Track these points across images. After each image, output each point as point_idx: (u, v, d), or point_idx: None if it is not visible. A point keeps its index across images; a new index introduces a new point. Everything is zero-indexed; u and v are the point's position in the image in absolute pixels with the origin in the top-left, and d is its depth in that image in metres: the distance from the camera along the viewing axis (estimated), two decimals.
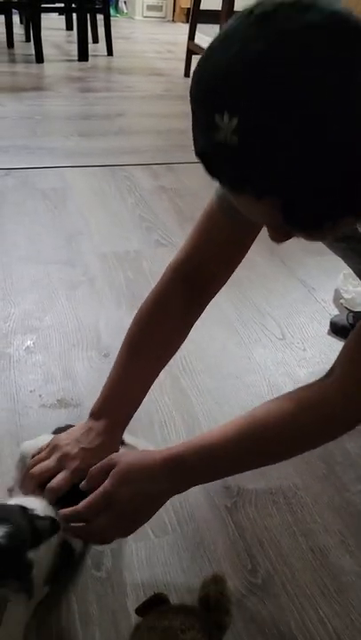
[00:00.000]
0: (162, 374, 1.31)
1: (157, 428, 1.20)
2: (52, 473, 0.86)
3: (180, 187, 2.30)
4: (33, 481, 0.87)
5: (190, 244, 0.96)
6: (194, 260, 0.95)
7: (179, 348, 0.99)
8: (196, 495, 1.05)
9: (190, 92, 0.62)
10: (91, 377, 1.32)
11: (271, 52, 0.54)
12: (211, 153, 0.60)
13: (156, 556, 0.95)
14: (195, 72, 0.62)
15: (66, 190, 2.22)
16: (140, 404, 0.97)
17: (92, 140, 2.77)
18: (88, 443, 0.89)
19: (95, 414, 0.95)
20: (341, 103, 0.53)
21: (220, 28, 0.62)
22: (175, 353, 0.99)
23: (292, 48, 0.53)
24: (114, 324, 1.49)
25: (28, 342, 1.42)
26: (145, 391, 0.98)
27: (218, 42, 0.59)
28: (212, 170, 0.63)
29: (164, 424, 1.21)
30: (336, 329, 1.50)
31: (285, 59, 0.53)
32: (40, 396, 1.26)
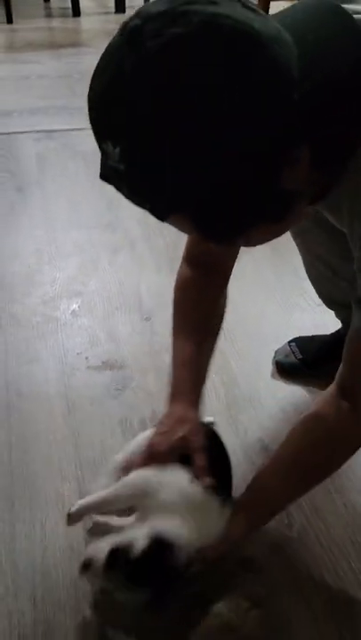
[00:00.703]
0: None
1: None
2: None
3: None
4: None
5: (188, 242, 1.00)
6: (194, 252, 0.99)
7: (223, 317, 1.02)
8: (235, 452, 1.11)
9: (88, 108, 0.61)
10: (133, 340, 1.38)
11: (139, 75, 0.53)
12: (109, 176, 0.61)
13: None
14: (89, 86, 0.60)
15: None
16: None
17: None
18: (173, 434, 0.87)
19: (174, 396, 0.95)
20: (210, 118, 0.52)
21: None
22: (221, 323, 1.02)
23: (158, 68, 0.52)
24: (154, 289, 1.54)
25: (74, 306, 1.49)
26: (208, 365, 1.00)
27: (100, 62, 0.58)
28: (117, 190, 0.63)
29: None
30: (283, 369, 1.32)
31: (153, 81, 0.52)
32: (86, 358, 1.34)
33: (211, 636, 0.71)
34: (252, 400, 1.24)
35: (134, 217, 1.81)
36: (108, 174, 0.61)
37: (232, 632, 0.71)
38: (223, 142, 0.53)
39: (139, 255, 1.68)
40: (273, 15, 0.66)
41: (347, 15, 0.64)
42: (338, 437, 0.83)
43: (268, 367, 1.32)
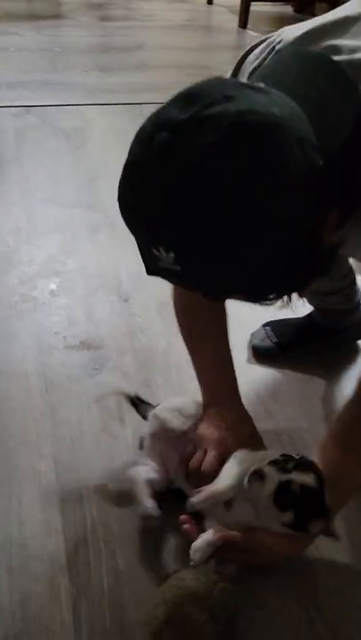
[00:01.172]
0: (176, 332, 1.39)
1: (174, 372, 1.28)
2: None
3: None
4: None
5: None
6: None
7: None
8: None
9: (121, 214, 0.63)
10: (112, 320, 1.40)
11: (185, 188, 0.55)
12: (161, 274, 0.63)
13: None
14: (119, 197, 0.62)
15: (86, 130, 2.22)
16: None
17: (112, 74, 2.73)
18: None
19: (207, 405, 1.01)
20: (258, 213, 0.55)
21: None
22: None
23: (202, 178, 0.54)
24: (134, 270, 1.55)
25: (52, 286, 1.50)
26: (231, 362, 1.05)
27: (130, 172, 0.59)
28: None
29: (180, 367, 1.29)
30: (259, 353, 1.34)
31: (200, 190, 0.54)
32: (64, 337, 1.35)
33: (177, 606, 0.75)
34: None
35: (115, 196, 1.80)
36: (158, 273, 0.63)
37: (198, 602, 0.75)
38: (271, 231, 0.57)
39: (119, 235, 1.68)
40: (265, 72, 0.67)
41: (332, 62, 0.67)
42: None
43: (244, 351, 1.35)
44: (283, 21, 3.79)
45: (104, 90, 2.57)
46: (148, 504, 0.92)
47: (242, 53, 0.83)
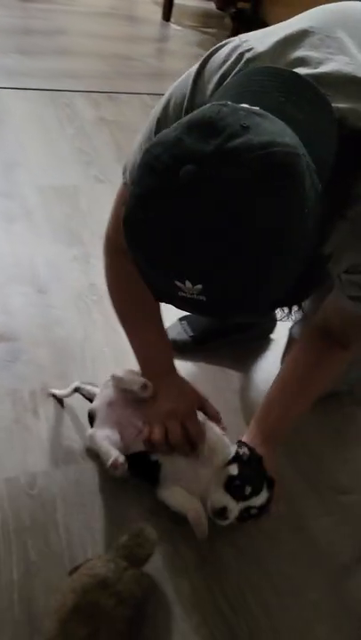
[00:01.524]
0: (95, 313, 1.40)
1: (90, 364, 1.29)
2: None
3: (122, 119, 2.29)
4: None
5: (112, 231, 1.04)
6: (122, 245, 1.01)
7: None
8: None
9: (130, 248, 0.62)
10: (27, 312, 1.39)
11: (215, 222, 0.55)
12: (176, 303, 0.62)
13: (83, 478, 1.07)
14: (131, 231, 0.61)
15: (3, 114, 2.16)
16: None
17: (31, 58, 2.66)
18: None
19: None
20: (280, 243, 0.57)
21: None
22: None
23: (231, 216, 0.54)
24: (50, 261, 1.54)
25: None
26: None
27: (147, 206, 0.58)
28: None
29: (96, 359, 1.30)
30: (177, 347, 1.33)
31: (229, 225, 0.55)
32: None
33: (85, 593, 0.77)
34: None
35: (32, 184, 1.78)
36: (175, 303, 0.62)
37: (107, 588, 0.77)
38: (296, 259, 0.58)
39: (35, 225, 1.66)
40: (244, 89, 0.67)
41: (307, 82, 0.68)
42: (332, 360, 1.04)
43: None
44: (206, 17, 3.83)
45: (23, 74, 2.50)
46: (114, 453, 0.98)
47: (204, 56, 0.82)
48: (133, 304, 1.05)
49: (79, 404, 1.18)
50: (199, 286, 0.57)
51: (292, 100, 0.64)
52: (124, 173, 0.96)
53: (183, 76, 0.85)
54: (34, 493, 1.03)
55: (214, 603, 0.94)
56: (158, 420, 1.03)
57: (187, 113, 0.79)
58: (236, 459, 0.98)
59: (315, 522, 1.09)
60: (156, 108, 0.88)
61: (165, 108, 0.85)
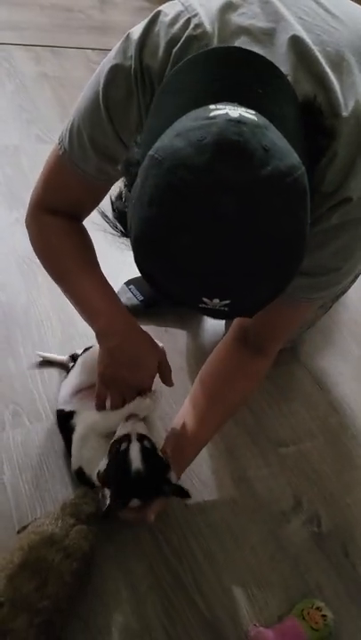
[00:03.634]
0: (40, 276, 1.39)
1: (34, 328, 1.29)
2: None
3: (64, 75, 2.21)
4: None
5: (42, 193, 0.99)
6: (50, 206, 0.99)
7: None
8: None
9: (148, 265, 0.62)
10: None
11: (250, 249, 0.57)
12: (197, 311, 0.63)
13: (31, 440, 1.09)
14: (158, 252, 0.60)
15: None
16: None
17: None
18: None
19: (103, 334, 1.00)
20: (301, 259, 0.62)
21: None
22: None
23: (267, 242, 0.57)
24: None
25: None
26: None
27: (179, 232, 0.58)
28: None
29: (41, 323, 1.31)
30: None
31: (265, 251, 0.58)
32: None
33: (32, 549, 0.80)
34: (88, 337, 1.30)
35: None
36: (194, 310, 0.63)
37: (53, 544, 0.80)
38: (302, 254, 0.62)
39: None
40: (219, 85, 0.66)
41: (270, 65, 0.68)
42: (246, 374, 1.04)
43: None
44: None
45: None
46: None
47: (148, 17, 0.79)
48: (67, 259, 1.00)
49: (26, 368, 1.18)
50: (226, 301, 0.60)
51: (268, 93, 0.66)
52: (61, 140, 0.92)
53: (120, 41, 0.82)
54: None
55: (159, 551, 0.99)
56: (116, 387, 0.99)
57: (136, 76, 0.78)
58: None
59: (255, 473, 1.15)
60: (99, 72, 0.84)
61: (114, 72, 0.81)
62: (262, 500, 1.11)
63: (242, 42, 0.73)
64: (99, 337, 0.99)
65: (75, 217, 1.01)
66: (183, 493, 0.94)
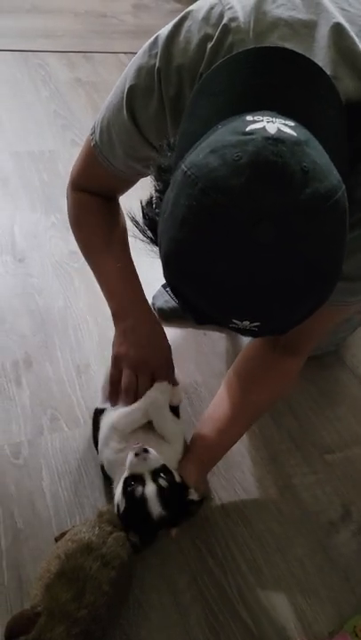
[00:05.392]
0: (76, 280, 1.39)
1: (72, 332, 1.29)
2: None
3: (98, 80, 2.22)
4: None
5: (76, 176, 1.01)
6: (83, 188, 1.01)
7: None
8: None
9: (178, 283, 0.61)
10: (6, 282, 1.37)
11: (287, 274, 0.55)
12: (224, 327, 0.62)
13: (69, 446, 1.08)
14: (190, 273, 0.59)
15: None
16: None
17: (1, 17, 2.56)
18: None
19: (117, 316, 1.04)
20: (335, 284, 0.60)
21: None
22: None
23: (307, 269, 0.55)
24: (28, 229, 1.51)
25: None
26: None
27: (215, 257, 0.56)
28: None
29: (78, 327, 1.30)
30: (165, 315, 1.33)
31: (303, 277, 0.56)
32: None
33: (69, 558, 0.78)
34: None
35: (6, 150, 1.74)
36: (222, 326, 0.62)
37: (90, 552, 0.78)
38: (339, 275, 0.60)
39: (12, 192, 1.62)
40: (256, 88, 0.63)
41: (314, 66, 0.65)
42: (278, 373, 1.00)
43: None
44: None
45: None
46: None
47: (179, 16, 0.78)
48: (95, 235, 1.03)
49: (63, 373, 1.18)
50: (257, 323, 0.59)
51: (308, 95, 0.63)
52: (93, 132, 0.93)
53: (148, 42, 0.81)
54: (19, 463, 1.03)
55: (203, 562, 0.96)
56: (129, 366, 1.00)
57: (160, 75, 0.76)
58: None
59: (300, 480, 1.11)
60: (125, 73, 0.83)
61: (138, 71, 0.80)
62: (309, 510, 1.07)
63: (280, 35, 0.69)
64: (114, 317, 1.04)
65: (106, 197, 1.03)
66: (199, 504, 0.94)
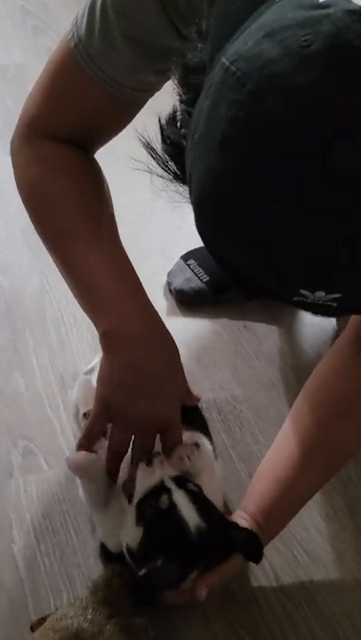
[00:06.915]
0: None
1: (51, 327, 1.30)
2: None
3: None
4: None
5: (39, 107, 0.96)
6: (50, 126, 0.96)
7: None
8: None
9: (221, 241, 0.62)
10: None
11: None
12: (290, 304, 0.63)
13: (50, 491, 1.08)
14: (240, 227, 0.59)
15: None
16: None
17: None
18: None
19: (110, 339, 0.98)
20: None
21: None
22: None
23: None
24: None
25: None
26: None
27: (281, 203, 0.55)
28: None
29: (60, 320, 1.31)
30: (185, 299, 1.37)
31: None
32: None
33: None
34: None
35: None
36: (289, 303, 0.62)
37: None
38: None
39: None
40: None
41: None
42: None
43: (160, 296, 1.36)
44: None
45: None
46: None
47: None
48: (67, 213, 0.95)
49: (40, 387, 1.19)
50: (337, 295, 0.58)
51: None
52: (75, 26, 0.89)
53: None
54: None
55: None
56: (121, 422, 0.95)
57: None
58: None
59: None
60: None
61: None
62: None
63: None
64: (104, 341, 0.93)
65: (83, 146, 0.98)
66: (255, 544, 0.92)
